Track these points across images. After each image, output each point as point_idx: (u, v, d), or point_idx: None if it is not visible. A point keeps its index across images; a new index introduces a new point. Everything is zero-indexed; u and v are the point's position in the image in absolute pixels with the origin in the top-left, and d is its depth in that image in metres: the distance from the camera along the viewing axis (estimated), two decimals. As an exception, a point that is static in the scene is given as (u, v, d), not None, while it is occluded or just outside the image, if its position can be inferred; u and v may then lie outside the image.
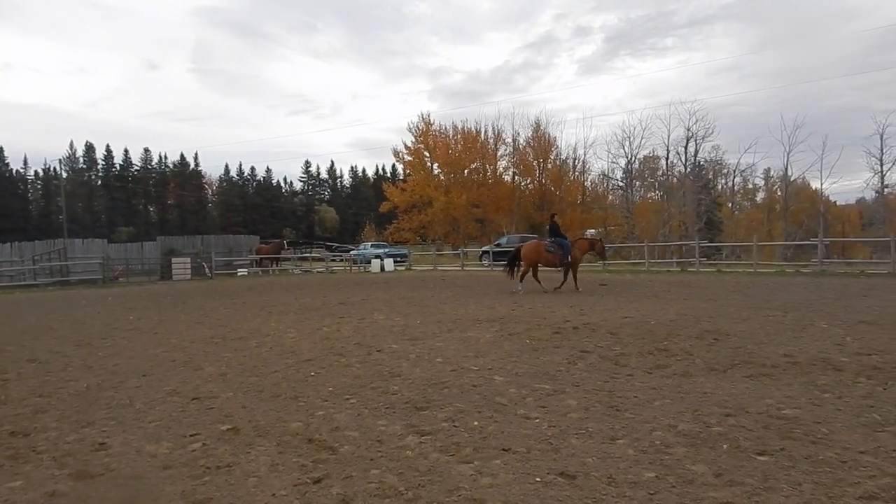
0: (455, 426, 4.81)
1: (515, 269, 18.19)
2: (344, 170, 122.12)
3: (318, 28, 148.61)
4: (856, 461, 3.77)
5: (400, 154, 64.07)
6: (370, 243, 51.94)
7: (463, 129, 61.92)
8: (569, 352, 7.77)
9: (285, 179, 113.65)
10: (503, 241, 41.31)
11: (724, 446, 4.12)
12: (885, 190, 50.09)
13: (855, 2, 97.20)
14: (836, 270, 23.63)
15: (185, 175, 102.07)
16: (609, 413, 5.00)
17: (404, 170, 69.16)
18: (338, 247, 59.92)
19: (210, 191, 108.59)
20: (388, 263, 37.67)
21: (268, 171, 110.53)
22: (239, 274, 36.87)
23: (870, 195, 53.96)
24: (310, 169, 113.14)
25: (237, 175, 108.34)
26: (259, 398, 5.98)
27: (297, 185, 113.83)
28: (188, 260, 35.52)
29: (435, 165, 62.33)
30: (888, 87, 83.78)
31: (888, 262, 23.71)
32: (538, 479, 3.67)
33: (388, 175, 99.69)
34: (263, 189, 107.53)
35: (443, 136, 61.71)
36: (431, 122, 61.81)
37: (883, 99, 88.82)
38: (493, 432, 4.61)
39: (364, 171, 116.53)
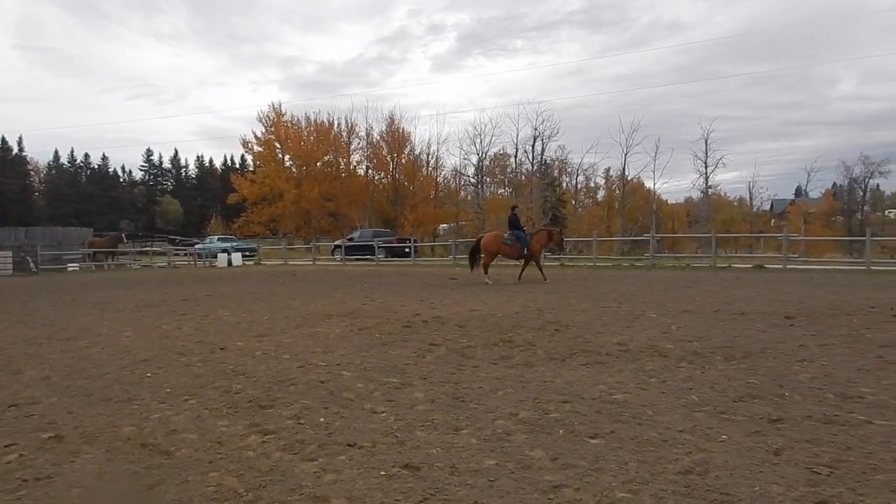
0: (300, 423, 4.71)
1: (477, 261, 18.17)
2: (189, 159, 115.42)
3: (161, 8, 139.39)
4: (675, 439, 4.09)
5: (249, 144, 62.00)
6: (217, 237, 49.90)
7: (316, 120, 61.12)
8: (417, 345, 7.86)
9: (124, 168, 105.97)
10: (356, 235, 41.15)
11: (561, 431, 4.32)
12: (709, 190, 55.12)
13: (684, 16, 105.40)
14: (666, 264, 25.59)
15: (6, 160, 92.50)
16: (454, 404, 5.10)
17: (254, 161, 66.83)
18: (182, 240, 57.07)
19: (37, 178, 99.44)
20: (236, 258, 36.44)
21: (104, 158, 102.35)
22: (69, 269, 34.13)
23: (696, 195, 59.06)
24: (151, 157, 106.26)
25: (69, 162, 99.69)
26: (87, 402, 5.55)
27: (138, 175, 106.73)
28: (9, 254, 32.48)
29: (286, 157, 60.90)
30: (713, 97, 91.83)
31: (710, 256, 26.08)
32: (383, 473, 3.67)
33: (237, 166, 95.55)
34: (99, 178, 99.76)
35: (295, 127, 60.53)
36: (283, 112, 60.45)
37: (708, 107, 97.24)
38: (338, 428, 4.57)
39: (211, 161, 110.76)
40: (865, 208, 66.99)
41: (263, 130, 60.18)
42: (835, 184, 68.78)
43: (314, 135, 60.60)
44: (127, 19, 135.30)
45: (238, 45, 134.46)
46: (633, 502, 3.18)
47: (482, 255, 18.14)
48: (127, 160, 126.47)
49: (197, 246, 44.87)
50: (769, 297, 12.36)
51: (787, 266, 22.80)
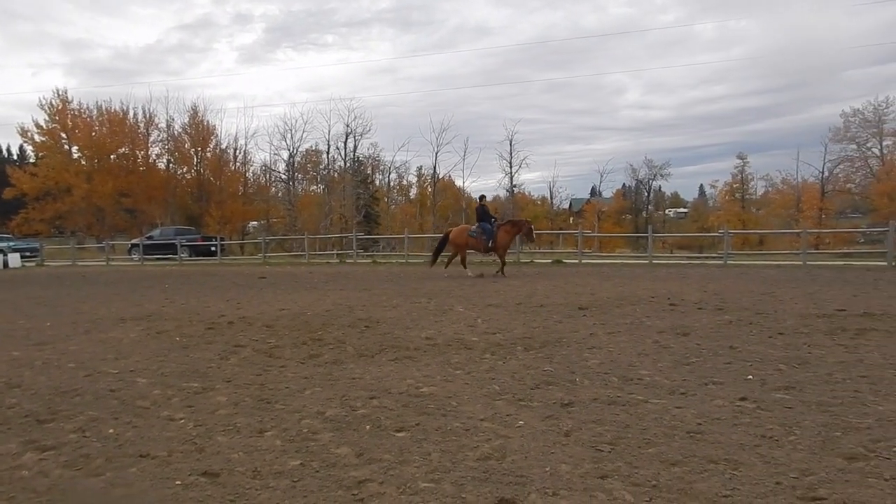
0: (85, 437, 4.32)
1: (441, 256, 17.64)
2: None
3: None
4: (476, 428, 4.26)
5: (29, 134, 55.55)
6: (-10, 236, 44.53)
7: (108, 109, 56.12)
8: (222, 347, 7.52)
9: None
10: (156, 233, 38.76)
11: (367, 427, 4.33)
12: (514, 189, 58.30)
13: (490, 21, 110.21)
14: (475, 260, 26.57)
15: None
16: (259, 406, 4.94)
17: (35, 152, 60.18)
18: (-54, 240, 50.24)
19: None
20: (14, 259, 32.75)
21: None
22: None
23: (503, 193, 62.03)
24: None
25: None
26: None
27: None
28: None
29: (74, 149, 55.53)
30: (516, 100, 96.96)
31: (514, 252, 27.55)
32: (178, 483, 3.46)
33: (15, 158, 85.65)
34: None
35: (84, 116, 55.24)
36: (69, 99, 54.81)
37: (512, 109, 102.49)
38: (130, 439, 4.24)
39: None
40: (650, 207, 74.06)
41: (46, 118, 54.24)
42: (624, 185, 75.49)
43: (107, 125, 55.72)
44: None
45: (12, 22, 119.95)
46: (434, 491, 3.25)
47: (451, 250, 17.83)
48: None
49: (-35, 246, 39.78)
50: (566, 290, 13.28)
51: (583, 260, 24.65)
